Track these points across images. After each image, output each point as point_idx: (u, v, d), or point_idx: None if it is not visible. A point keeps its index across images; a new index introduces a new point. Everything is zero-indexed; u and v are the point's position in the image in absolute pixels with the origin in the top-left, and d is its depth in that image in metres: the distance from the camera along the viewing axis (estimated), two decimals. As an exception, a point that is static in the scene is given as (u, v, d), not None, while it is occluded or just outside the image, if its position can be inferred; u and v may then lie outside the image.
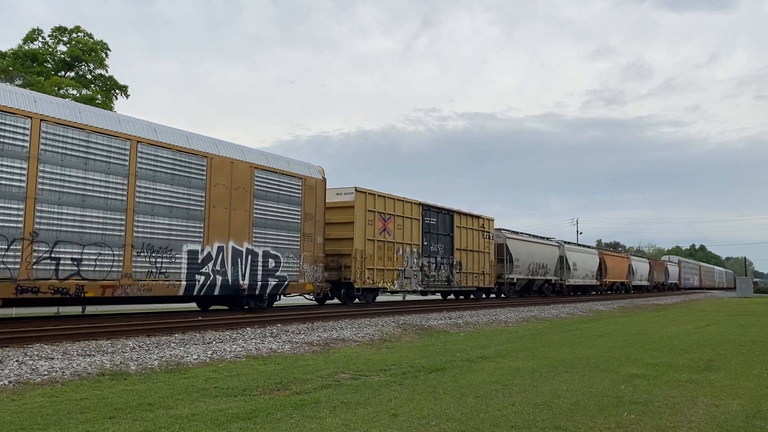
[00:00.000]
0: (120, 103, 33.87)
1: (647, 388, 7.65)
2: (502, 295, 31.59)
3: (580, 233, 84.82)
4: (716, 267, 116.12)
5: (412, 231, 23.17)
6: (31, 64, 30.46)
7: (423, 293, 25.44)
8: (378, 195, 21.41)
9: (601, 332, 15.77)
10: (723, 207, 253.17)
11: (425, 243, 23.92)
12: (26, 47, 31.11)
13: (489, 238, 29.55)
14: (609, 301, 34.33)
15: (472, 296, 29.60)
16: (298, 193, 17.83)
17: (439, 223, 25.35)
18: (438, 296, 29.52)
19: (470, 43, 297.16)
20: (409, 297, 31.64)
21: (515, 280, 32.36)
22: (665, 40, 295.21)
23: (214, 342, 11.45)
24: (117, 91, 33.03)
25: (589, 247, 46.78)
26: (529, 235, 36.48)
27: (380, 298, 23.97)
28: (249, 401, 6.58)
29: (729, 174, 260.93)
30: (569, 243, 41.28)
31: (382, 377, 8.20)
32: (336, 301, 21.50)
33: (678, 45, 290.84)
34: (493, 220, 30.19)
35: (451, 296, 29.73)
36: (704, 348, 12.21)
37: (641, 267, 57.54)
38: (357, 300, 21.10)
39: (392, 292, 23.02)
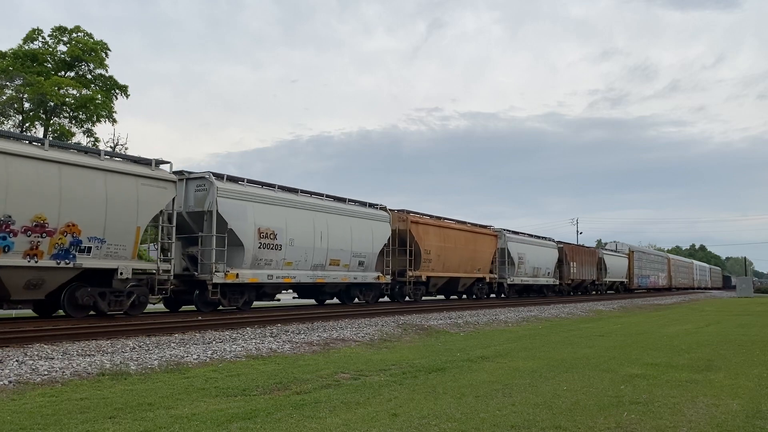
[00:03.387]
0: (120, 103, 33.86)
1: (647, 388, 7.65)
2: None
3: (580, 233, 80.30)
4: (697, 262, 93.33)
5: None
6: (31, 64, 30.43)
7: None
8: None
9: (601, 332, 15.76)
10: (724, 207, 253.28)
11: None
12: (26, 47, 31.07)
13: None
14: (609, 301, 34.31)
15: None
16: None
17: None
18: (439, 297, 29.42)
19: (474, 42, 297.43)
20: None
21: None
22: (671, 39, 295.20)
23: (214, 342, 11.45)
24: (117, 90, 33.00)
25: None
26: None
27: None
28: (249, 401, 6.58)
29: (731, 174, 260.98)
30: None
31: (382, 377, 8.20)
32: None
33: (684, 45, 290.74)
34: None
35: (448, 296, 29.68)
36: (704, 348, 12.21)
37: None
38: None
39: None
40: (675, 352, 11.48)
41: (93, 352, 9.66)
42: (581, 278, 40.99)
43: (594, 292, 44.47)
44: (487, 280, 29.27)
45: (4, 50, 30.53)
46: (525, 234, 34.41)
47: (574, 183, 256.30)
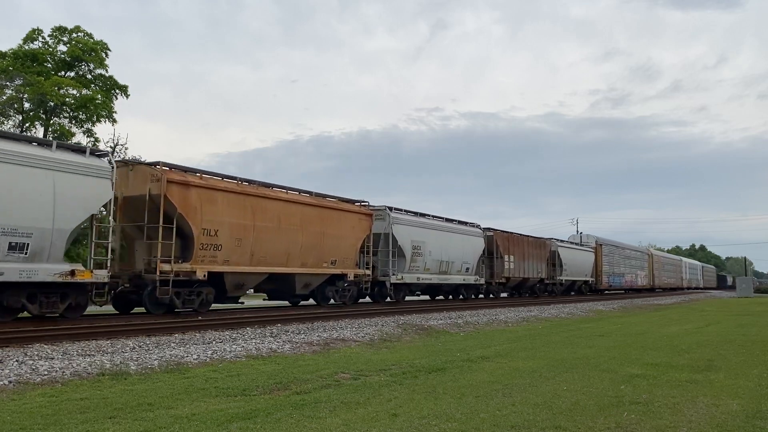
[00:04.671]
0: (120, 103, 33.86)
1: (647, 388, 7.65)
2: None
3: (580, 233, 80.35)
4: (687, 260, 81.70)
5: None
6: (31, 64, 30.45)
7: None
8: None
9: (601, 332, 15.76)
10: (724, 207, 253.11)
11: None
12: (26, 47, 31.09)
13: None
14: (609, 301, 34.33)
15: None
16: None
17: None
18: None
19: (475, 42, 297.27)
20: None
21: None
22: (671, 39, 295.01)
23: (214, 342, 11.45)
24: (117, 90, 33.02)
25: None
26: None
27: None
28: (249, 401, 6.58)
29: (731, 174, 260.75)
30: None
31: (382, 377, 8.20)
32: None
33: (685, 44, 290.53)
34: None
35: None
36: (704, 348, 12.20)
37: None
38: None
39: None
40: (675, 352, 11.48)
41: (93, 352, 9.66)
42: (522, 276, 32.03)
43: (546, 294, 35.73)
44: (350, 277, 19.82)
45: (4, 50, 30.57)
46: (427, 216, 24.60)
47: (574, 183, 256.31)
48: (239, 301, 17.13)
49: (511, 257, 30.91)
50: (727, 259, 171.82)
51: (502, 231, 31.02)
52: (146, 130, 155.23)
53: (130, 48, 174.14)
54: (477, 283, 27.84)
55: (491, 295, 30.52)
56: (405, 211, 23.23)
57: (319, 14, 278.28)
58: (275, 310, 18.09)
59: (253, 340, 11.76)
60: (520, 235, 32.90)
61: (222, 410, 6.08)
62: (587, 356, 10.65)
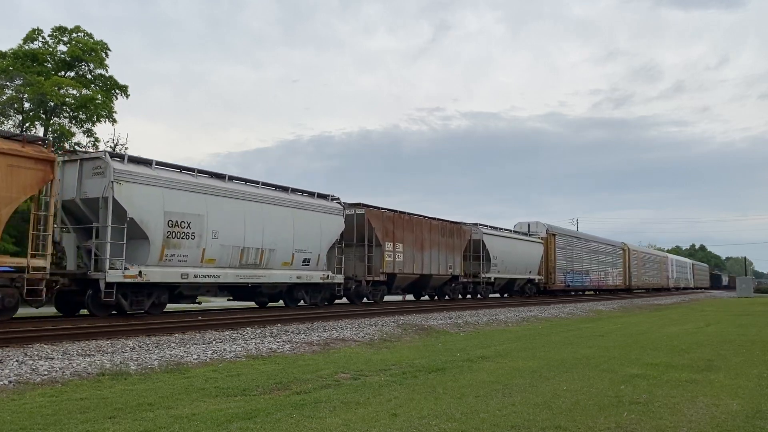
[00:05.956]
0: (120, 103, 33.86)
1: (647, 388, 7.65)
2: None
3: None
4: (675, 256, 73.62)
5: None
6: (31, 64, 30.43)
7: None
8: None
9: (601, 332, 15.77)
10: (724, 207, 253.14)
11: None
12: (26, 47, 31.07)
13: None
14: (609, 301, 34.37)
15: None
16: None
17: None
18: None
19: (476, 42, 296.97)
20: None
21: None
22: (673, 38, 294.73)
23: (214, 342, 11.45)
24: (117, 90, 33.01)
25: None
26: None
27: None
28: (249, 401, 6.58)
29: (731, 174, 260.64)
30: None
31: (382, 377, 8.20)
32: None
33: (686, 44, 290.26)
34: None
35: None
36: (704, 348, 12.21)
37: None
38: None
39: None
40: (675, 352, 11.48)
41: (93, 352, 9.67)
42: (419, 272, 23.68)
43: (460, 297, 27.36)
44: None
45: (4, 50, 30.53)
46: (206, 174, 15.95)
47: (575, 183, 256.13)
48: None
49: (398, 245, 22.51)
50: (727, 259, 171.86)
51: (380, 208, 22.45)
52: (146, 130, 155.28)
53: (130, 48, 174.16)
54: (327, 282, 19.33)
55: (366, 300, 22.03)
56: (155, 163, 14.58)
57: (320, 14, 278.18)
58: (275, 310, 18.11)
59: (253, 340, 11.76)
60: (414, 215, 24.30)
61: (222, 410, 6.08)
62: (587, 356, 10.65)
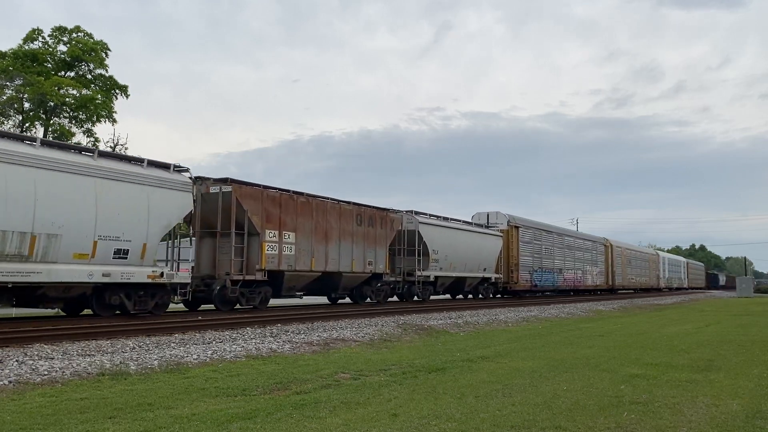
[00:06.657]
0: (120, 103, 33.85)
1: (647, 388, 7.65)
2: None
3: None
4: (666, 254, 67.89)
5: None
6: (31, 64, 30.44)
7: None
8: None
9: (602, 332, 15.77)
10: (725, 207, 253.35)
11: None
12: (26, 47, 31.08)
13: None
14: (609, 301, 34.39)
15: None
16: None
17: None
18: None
19: (476, 42, 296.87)
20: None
21: None
22: (674, 38, 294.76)
23: (214, 342, 11.45)
24: (117, 90, 33.02)
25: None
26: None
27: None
28: (249, 401, 6.58)
29: (731, 174, 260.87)
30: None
31: (382, 377, 8.20)
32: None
33: (687, 44, 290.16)
34: None
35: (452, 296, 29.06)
36: (704, 348, 12.20)
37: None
38: None
39: None
40: (675, 352, 11.48)
41: (93, 352, 9.66)
42: (318, 269, 18.56)
43: (383, 299, 22.34)
44: None
45: (4, 50, 30.54)
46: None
47: (575, 183, 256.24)
48: None
49: (287, 235, 17.50)
50: (727, 259, 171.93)
51: (258, 185, 17.26)
52: (146, 130, 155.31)
53: (130, 48, 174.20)
54: (161, 281, 14.14)
55: (239, 306, 17.01)
56: None
57: (320, 14, 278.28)
58: (275, 311, 18.08)
59: (253, 340, 11.76)
60: (316, 197, 19.00)
61: (222, 410, 6.08)
62: (587, 356, 10.65)
